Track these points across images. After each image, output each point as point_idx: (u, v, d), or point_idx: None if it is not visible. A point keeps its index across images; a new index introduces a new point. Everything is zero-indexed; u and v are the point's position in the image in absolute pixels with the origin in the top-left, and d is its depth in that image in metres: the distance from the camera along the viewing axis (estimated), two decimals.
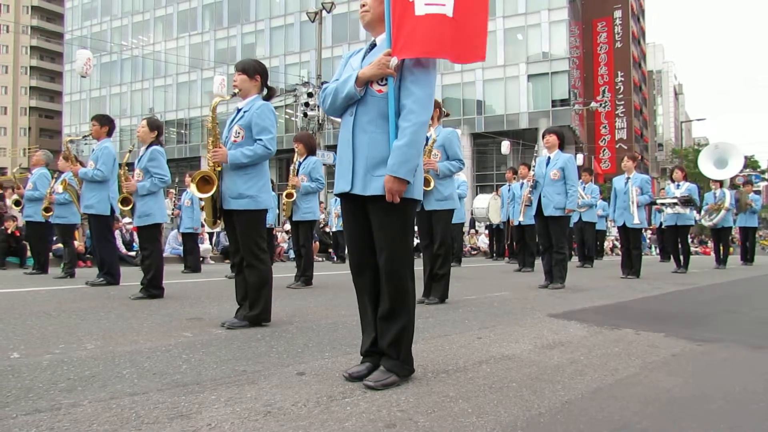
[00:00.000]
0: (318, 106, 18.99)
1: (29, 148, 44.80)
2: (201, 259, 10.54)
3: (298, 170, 6.37)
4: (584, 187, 10.87)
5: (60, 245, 8.31)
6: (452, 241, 9.43)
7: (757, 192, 14.45)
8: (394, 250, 2.25)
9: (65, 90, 52.84)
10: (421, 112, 2.20)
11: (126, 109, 47.73)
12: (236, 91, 3.67)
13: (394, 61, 2.19)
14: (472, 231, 19.20)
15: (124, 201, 5.27)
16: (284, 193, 6.37)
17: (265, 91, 3.75)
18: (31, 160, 8.73)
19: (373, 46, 2.38)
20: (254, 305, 3.57)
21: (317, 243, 13.24)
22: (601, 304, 5.00)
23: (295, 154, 6.49)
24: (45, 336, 3.21)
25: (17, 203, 8.53)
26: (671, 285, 7.08)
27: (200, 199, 3.71)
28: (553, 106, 35.54)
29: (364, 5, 2.37)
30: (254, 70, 3.66)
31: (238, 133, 3.61)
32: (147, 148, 5.27)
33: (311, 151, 6.48)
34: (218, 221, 3.74)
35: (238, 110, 3.69)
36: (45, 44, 66.15)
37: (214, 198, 3.61)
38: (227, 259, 11.41)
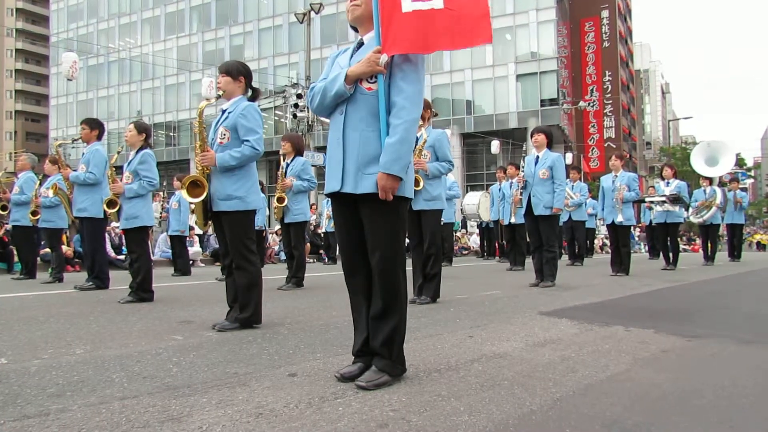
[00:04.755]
0: (307, 108, 18.95)
1: (15, 152, 44.32)
2: (191, 261, 10.48)
3: (286, 172, 6.34)
4: (572, 186, 10.93)
5: (48, 250, 8.23)
6: (442, 240, 9.48)
7: (744, 189, 14.63)
8: (387, 250, 2.25)
9: (51, 93, 52.34)
10: (412, 108, 2.20)
11: (114, 112, 47.37)
12: (220, 93, 3.66)
13: (384, 58, 2.18)
14: (463, 231, 19.25)
15: (110, 203, 5.24)
16: (275, 197, 6.33)
17: (249, 92, 3.74)
18: (16, 165, 8.65)
19: (360, 44, 2.37)
20: (245, 307, 3.56)
21: (308, 244, 13.21)
22: (592, 302, 5.02)
23: (282, 156, 6.45)
24: (33, 341, 3.17)
25: (4, 208, 8.45)
26: (660, 282, 7.14)
27: (190, 202, 3.69)
28: (542, 105, 35.74)
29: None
30: (238, 72, 3.65)
31: (224, 134, 3.60)
32: (137, 152, 5.24)
33: (299, 151, 6.45)
34: (209, 223, 3.73)
35: (223, 111, 3.68)
36: (30, 47, 65.48)
37: (204, 200, 3.60)
38: (217, 262, 11.36)
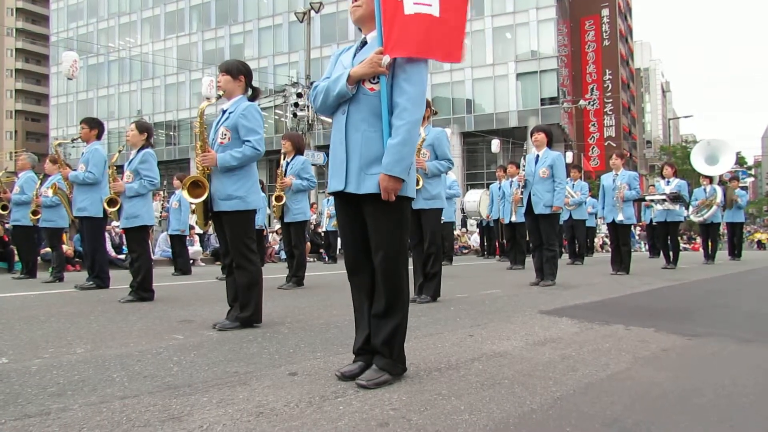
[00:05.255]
0: (307, 107, 18.94)
1: (15, 152, 44.31)
2: (191, 261, 10.48)
3: (286, 171, 6.34)
4: (573, 185, 10.92)
5: (48, 249, 8.24)
6: (442, 239, 9.47)
7: (744, 188, 14.61)
8: (390, 249, 2.25)
9: (52, 93, 52.33)
10: (414, 110, 2.20)
11: (114, 111, 47.36)
12: (221, 92, 3.66)
13: (386, 59, 2.19)
14: (463, 230, 19.25)
15: (111, 202, 5.24)
16: (273, 196, 6.34)
17: (249, 92, 3.73)
18: (16, 164, 8.65)
19: (363, 43, 2.37)
20: (245, 306, 3.56)
21: (309, 243, 13.20)
22: (592, 301, 5.02)
23: (282, 154, 6.46)
24: (34, 341, 3.18)
25: (4, 208, 8.45)
26: (661, 281, 7.13)
27: (191, 203, 3.69)
28: (542, 104, 35.73)
29: (356, 0, 2.35)
30: (238, 71, 3.64)
31: (225, 134, 3.60)
32: (138, 151, 5.24)
33: (299, 150, 6.45)
34: (209, 223, 3.73)
35: (224, 111, 3.67)
36: (30, 47, 65.46)
37: (205, 201, 3.60)
38: (218, 261, 11.36)
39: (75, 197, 6.20)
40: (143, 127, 5.33)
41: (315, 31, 33.39)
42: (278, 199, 6.31)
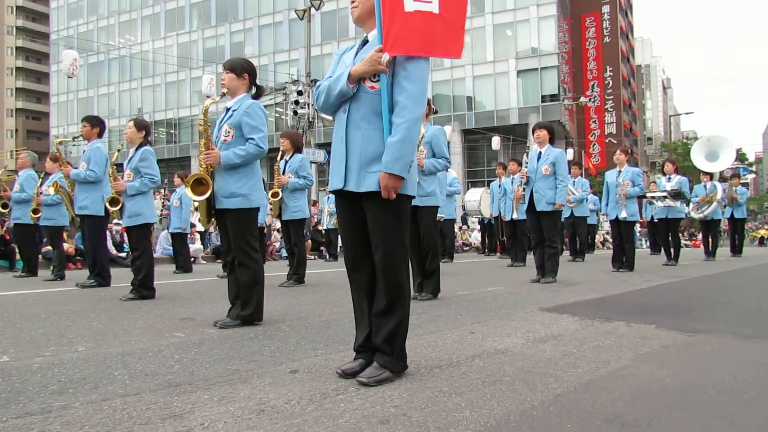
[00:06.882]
0: (308, 104, 18.94)
1: (16, 150, 44.31)
2: (192, 259, 10.49)
3: (284, 169, 6.35)
4: (574, 182, 10.91)
5: (49, 247, 8.25)
6: (443, 237, 9.45)
7: (745, 185, 14.59)
8: (390, 246, 2.25)
9: (52, 91, 52.33)
10: (414, 107, 2.20)
11: (114, 109, 47.35)
12: (225, 90, 3.66)
13: (385, 57, 2.19)
14: (464, 227, 19.25)
15: (113, 201, 5.24)
16: (270, 193, 6.35)
17: (253, 90, 3.74)
18: (17, 162, 8.66)
19: (365, 42, 2.38)
20: (246, 304, 3.56)
21: (309, 241, 13.21)
22: (593, 298, 5.02)
23: (281, 152, 6.46)
24: (35, 339, 3.18)
25: (5, 206, 8.46)
26: (662, 277, 7.13)
27: (195, 200, 3.69)
28: (542, 101, 35.69)
29: (353, 0, 2.36)
30: (242, 69, 3.65)
31: (228, 132, 3.61)
32: (137, 149, 5.24)
33: (298, 148, 6.45)
34: (212, 220, 3.74)
35: (227, 109, 3.68)
36: (30, 45, 65.42)
37: (208, 198, 3.60)
38: (219, 259, 11.37)
39: (76, 195, 6.20)
40: (141, 125, 5.33)
41: (315, 28, 33.36)
42: (274, 195, 6.33)
